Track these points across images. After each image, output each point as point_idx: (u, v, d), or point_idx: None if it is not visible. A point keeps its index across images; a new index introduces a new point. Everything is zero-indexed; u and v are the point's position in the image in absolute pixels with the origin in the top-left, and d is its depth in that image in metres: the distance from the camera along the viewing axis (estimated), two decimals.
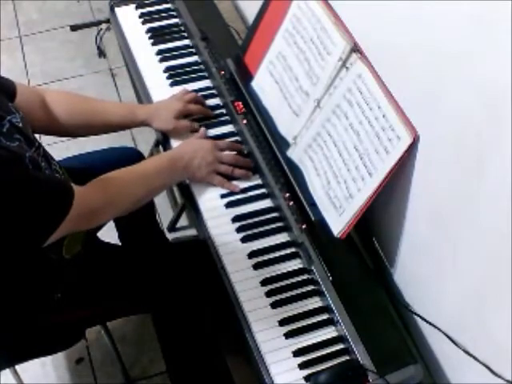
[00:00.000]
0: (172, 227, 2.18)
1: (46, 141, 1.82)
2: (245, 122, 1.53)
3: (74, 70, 2.77)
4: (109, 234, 1.71)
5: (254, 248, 1.37)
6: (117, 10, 1.82)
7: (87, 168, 1.59)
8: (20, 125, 1.23)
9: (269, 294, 1.30)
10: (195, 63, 1.70)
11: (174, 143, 1.53)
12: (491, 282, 1.06)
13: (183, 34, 1.77)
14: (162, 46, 1.73)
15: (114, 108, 1.53)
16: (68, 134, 1.57)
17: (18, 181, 1.08)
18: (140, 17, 1.80)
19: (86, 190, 1.23)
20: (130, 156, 1.74)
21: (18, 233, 1.12)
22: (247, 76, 1.56)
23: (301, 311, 1.28)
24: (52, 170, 1.26)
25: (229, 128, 1.57)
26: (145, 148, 2.24)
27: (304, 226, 1.35)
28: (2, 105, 1.24)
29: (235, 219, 1.41)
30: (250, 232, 1.39)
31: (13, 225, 1.10)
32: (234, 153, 1.50)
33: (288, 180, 1.42)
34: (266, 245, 1.37)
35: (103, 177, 1.30)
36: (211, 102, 1.62)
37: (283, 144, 1.45)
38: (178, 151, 1.45)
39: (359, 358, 1.20)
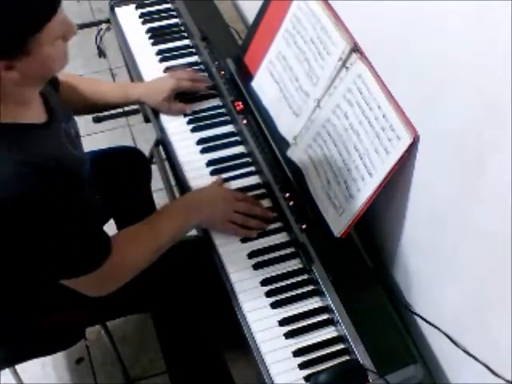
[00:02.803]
0: None
1: None
2: (245, 121, 1.53)
3: (73, 70, 2.76)
4: (109, 234, 1.71)
5: (254, 248, 1.36)
6: (117, 9, 1.82)
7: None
8: (78, 130, 1.26)
9: (269, 294, 1.30)
10: (195, 63, 1.70)
11: (174, 143, 1.53)
12: (491, 282, 1.06)
13: (183, 33, 1.77)
14: (162, 46, 1.73)
15: (111, 89, 1.57)
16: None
17: (71, 197, 1.07)
18: (140, 17, 1.80)
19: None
20: (131, 156, 1.75)
21: (41, 255, 1.10)
22: (247, 76, 1.56)
23: (301, 311, 1.28)
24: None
25: (229, 128, 1.57)
26: (145, 148, 2.24)
27: (304, 226, 1.35)
28: (64, 107, 1.27)
29: None
30: None
31: (34, 246, 1.08)
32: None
33: (288, 180, 1.42)
34: (265, 245, 1.37)
35: (117, 238, 1.24)
36: (211, 102, 1.61)
37: (283, 144, 1.45)
38: (196, 200, 1.39)
39: (359, 358, 1.20)
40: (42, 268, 1.14)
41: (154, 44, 1.74)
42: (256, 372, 1.23)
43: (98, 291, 1.24)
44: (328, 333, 1.26)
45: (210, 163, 1.50)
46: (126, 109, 2.24)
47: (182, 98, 1.58)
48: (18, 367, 1.68)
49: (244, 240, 1.38)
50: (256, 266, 1.34)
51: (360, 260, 1.36)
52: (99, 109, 1.64)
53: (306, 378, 1.20)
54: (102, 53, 2.83)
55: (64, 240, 1.09)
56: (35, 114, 1.13)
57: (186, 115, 1.57)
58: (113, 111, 2.12)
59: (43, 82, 1.14)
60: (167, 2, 1.84)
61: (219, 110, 1.60)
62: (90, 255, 1.15)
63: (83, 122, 1.77)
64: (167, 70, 1.66)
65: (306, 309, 1.29)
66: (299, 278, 1.33)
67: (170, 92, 1.53)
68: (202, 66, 1.69)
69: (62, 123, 1.17)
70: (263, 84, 1.52)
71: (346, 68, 1.30)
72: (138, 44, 1.74)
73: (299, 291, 1.31)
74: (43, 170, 1.03)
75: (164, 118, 1.57)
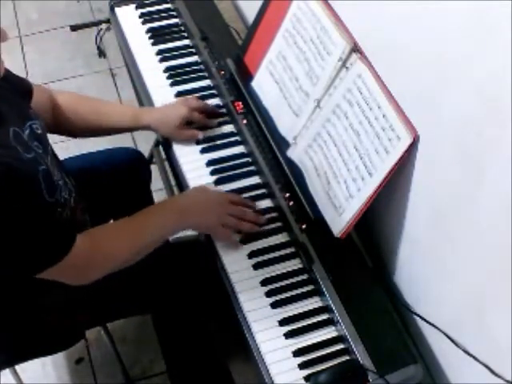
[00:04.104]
0: None
1: None
2: (245, 121, 1.53)
3: (74, 69, 2.77)
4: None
5: (254, 248, 1.36)
6: (117, 9, 1.82)
7: (87, 168, 1.60)
8: (39, 131, 1.23)
9: (269, 294, 1.30)
10: (195, 63, 1.70)
11: (176, 149, 1.53)
12: (491, 282, 1.06)
13: (183, 33, 1.77)
14: (162, 46, 1.73)
15: (119, 112, 1.53)
16: (73, 135, 1.58)
17: (22, 201, 1.06)
18: (140, 17, 1.80)
19: (78, 241, 1.17)
20: (131, 156, 1.75)
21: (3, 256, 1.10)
22: (247, 76, 1.56)
23: (301, 311, 1.28)
24: (65, 181, 1.25)
25: (229, 128, 1.57)
26: (145, 148, 2.24)
27: (304, 226, 1.35)
28: (22, 109, 1.25)
29: None
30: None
31: (3, 247, 1.08)
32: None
33: (288, 180, 1.42)
34: (265, 245, 1.37)
35: (97, 228, 1.25)
36: (211, 102, 1.61)
37: (283, 144, 1.45)
38: (185, 204, 1.37)
39: (359, 358, 1.20)
40: (5, 266, 1.14)
41: (154, 44, 1.74)
42: (256, 372, 1.23)
43: (75, 280, 1.23)
44: (328, 333, 1.26)
45: (209, 163, 1.50)
46: None
47: (191, 124, 1.54)
48: (18, 367, 1.68)
49: (244, 240, 1.37)
50: (256, 266, 1.34)
51: (360, 260, 1.36)
52: (104, 131, 1.56)
53: (306, 378, 1.20)
54: (102, 53, 2.84)
55: (14, 238, 1.08)
56: None
57: (198, 142, 1.53)
58: None
59: None
60: (167, 2, 1.84)
61: (219, 110, 1.60)
62: (46, 252, 1.13)
63: None
64: (179, 95, 1.61)
65: (305, 309, 1.29)
66: (299, 278, 1.33)
67: (181, 120, 1.50)
68: (201, 66, 1.69)
69: (11, 127, 1.15)
70: (263, 84, 1.52)
71: (346, 68, 1.30)
72: (137, 44, 1.74)
73: (299, 291, 1.31)
74: None
75: None
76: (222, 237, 1.36)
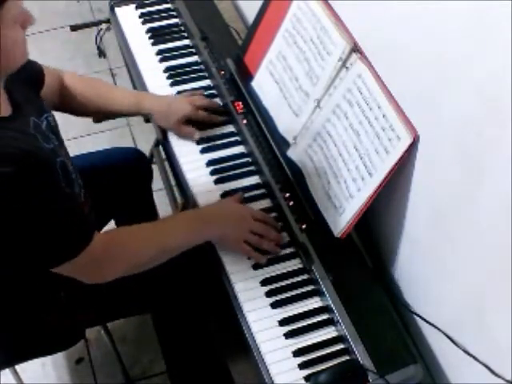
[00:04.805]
0: None
1: None
2: (245, 121, 1.53)
3: (74, 69, 2.75)
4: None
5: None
6: (117, 9, 1.82)
7: (88, 168, 1.59)
8: (53, 124, 1.25)
9: (269, 294, 1.30)
10: (195, 63, 1.70)
11: (176, 149, 1.53)
12: (491, 282, 1.06)
13: (183, 33, 1.77)
14: (162, 46, 1.73)
15: (122, 97, 1.54)
16: (76, 114, 1.58)
17: (44, 189, 1.07)
18: (140, 17, 1.80)
19: (97, 238, 1.17)
20: (131, 156, 1.75)
21: (19, 248, 1.11)
22: (247, 76, 1.56)
23: (301, 311, 1.28)
24: (76, 176, 1.26)
25: (229, 128, 1.57)
26: (145, 148, 2.24)
27: (304, 226, 1.35)
28: (38, 102, 1.26)
29: None
30: None
31: (18, 239, 1.09)
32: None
33: (288, 180, 1.42)
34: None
35: (120, 228, 1.25)
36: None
37: (283, 144, 1.45)
38: (210, 214, 1.36)
39: (359, 358, 1.20)
40: (22, 258, 1.15)
41: (154, 44, 1.74)
42: (256, 372, 1.23)
43: (91, 277, 1.23)
44: (328, 333, 1.26)
45: (209, 163, 1.50)
46: None
47: (192, 121, 1.54)
48: (18, 367, 1.68)
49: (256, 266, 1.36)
50: (256, 266, 1.34)
51: (360, 260, 1.36)
52: (106, 114, 1.58)
53: (306, 378, 1.20)
54: (102, 53, 2.83)
55: (35, 228, 1.09)
56: None
57: (198, 142, 1.53)
58: None
59: (5, 75, 1.13)
60: (167, 2, 1.84)
61: (223, 118, 1.59)
62: (67, 243, 1.13)
63: (83, 122, 1.76)
64: (174, 85, 1.62)
65: (305, 309, 1.29)
66: (299, 278, 1.33)
67: (183, 117, 1.51)
68: (201, 66, 1.69)
69: (31, 117, 1.16)
70: (263, 84, 1.52)
71: (346, 68, 1.30)
72: (138, 44, 1.74)
73: (299, 291, 1.31)
74: (10, 160, 1.02)
75: None
76: (245, 252, 1.33)
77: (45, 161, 1.09)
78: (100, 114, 1.58)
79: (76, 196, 1.23)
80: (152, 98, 1.57)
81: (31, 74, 1.31)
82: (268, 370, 1.20)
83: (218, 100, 1.62)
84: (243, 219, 1.34)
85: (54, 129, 1.25)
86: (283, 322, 1.26)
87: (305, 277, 1.33)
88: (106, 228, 1.68)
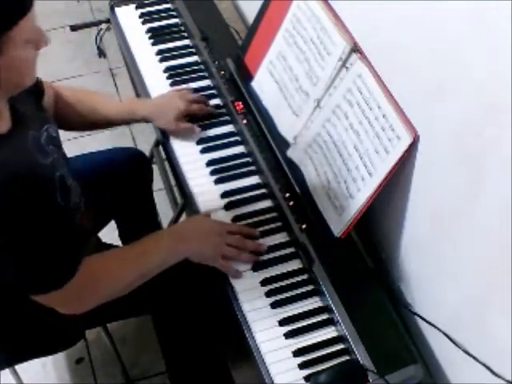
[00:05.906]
0: None
1: None
2: (245, 121, 1.53)
3: (74, 70, 2.77)
4: (109, 235, 1.71)
5: None
6: (117, 9, 1.82)
7: (88, 168, 1.59)
8: (54, 135, 1.24)
9: (269, 294, 1.30)
10: (195, 63, 1.70)
11: (176, 149, 1.52)
12: (491, 282, 1.06)
13: (183, 33, 1.77)
14: (162, 46, 1.73)
15: (116, 109, 1.53)
16: (70, 129, 1.58)
17: (32, 212, 1.06)
18: (140, 17, 1.80)
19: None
20: (132, 156, 1.74)
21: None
22: (247, 76, 1.56)
23: (301, 311, 1.28)
24: (75, 185, 1.25)
25: (229, 128, 1.57)
26: (145, 148, 2.24)
27: (304, 226, 1.35)
28: (40, 113, 1.26)
29: (235, 219, 1.41)
30: None
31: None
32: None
33: (288, 180, 1.42)
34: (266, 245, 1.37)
35: (95, 256, 1.21)
36: (211, 102, 1.61)
37: (283, 144, 1.45)
38: (185, 233, 1.34)
39: (359, 358, 1.20)
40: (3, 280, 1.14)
41: (154, 44, 1.74)
42: (256, 372, 1.23)
43: (71, 307, 1.22)
44: (328, 333, 1.26)
45: (209, 163, 1.50)
46: None
47: (188, 117, 1.55)
48: (18, 367, 1.68)
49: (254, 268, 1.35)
50: (256, 267, 1.34)
51: (360, 260, 1.36)
52: (100, 125, 1.57)
53: (306, 378, 1.20)
54: (101, 53, 2.83)
55: (19, 253, 1.08)
56: None
57: (198, 142, 1.53)
58: None
59: (9, 95, 1.12)
60: (167, 2, 1.84)
61: (219, 110, 1.60)
62: (50, 273, 1.12)
63: None
64: (174, 85, 1.62)
65: (305, 309, 1.29)
66: (299, 278, 1.33)
67: (179, 113, 1.50)
68: (201, 66, 1.69)
69: (30, 131, 1.15)
70: (263, 84, 1.52)
71: (346, 68, 1.30)
72: (138, 44, 1.74)
73: (299, 291, 1.31)
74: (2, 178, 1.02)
75: None
76: (221, 267, 1.31)
77: (37, 180, 1.08)
78: (96, 128, 1.58)
79: (71, 212, 1.22)
80: (144, 103, 1.58)
81: (36, 86, 1.31)
82: (268, 370, 1.20)
83: (217, 100, 1.62)
84: (217, 234, 1.32)
85: (54, 140, 1.24)
86: (283, 322, 1.26)
87: (305, 277, 1.33)
88: (105, 229, 1.68)
